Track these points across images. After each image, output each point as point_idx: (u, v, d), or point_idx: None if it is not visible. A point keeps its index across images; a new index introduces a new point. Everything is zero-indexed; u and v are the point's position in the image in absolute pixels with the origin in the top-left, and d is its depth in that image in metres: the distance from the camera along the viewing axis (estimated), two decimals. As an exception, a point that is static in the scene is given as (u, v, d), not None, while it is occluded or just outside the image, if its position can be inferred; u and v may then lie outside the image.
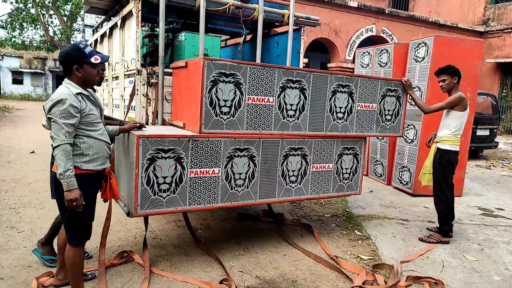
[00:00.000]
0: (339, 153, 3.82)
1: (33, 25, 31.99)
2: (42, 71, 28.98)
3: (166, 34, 4.85)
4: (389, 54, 6.26)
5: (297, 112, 3.44)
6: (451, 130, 3.96)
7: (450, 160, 3.97)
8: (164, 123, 3.76)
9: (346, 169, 3.90)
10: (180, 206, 3.05)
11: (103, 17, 5.18)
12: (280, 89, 3.32)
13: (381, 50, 6.47)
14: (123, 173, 3.20)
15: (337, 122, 3.67)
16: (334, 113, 3.64)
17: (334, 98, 3.61)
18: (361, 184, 4.06)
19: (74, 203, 2.25)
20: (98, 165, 2.43)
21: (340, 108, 3.67)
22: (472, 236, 4.20)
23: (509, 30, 14.10)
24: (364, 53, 7.01)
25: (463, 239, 4.12)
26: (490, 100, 9.98)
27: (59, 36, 32.91)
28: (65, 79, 2.40)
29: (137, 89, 3.64)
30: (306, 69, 3.50)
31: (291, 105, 3.40)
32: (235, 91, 3.12)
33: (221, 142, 3.13)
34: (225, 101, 3.10)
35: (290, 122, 3.42)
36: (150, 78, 3.66)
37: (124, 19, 4.08)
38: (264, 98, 3.27)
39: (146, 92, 3.66)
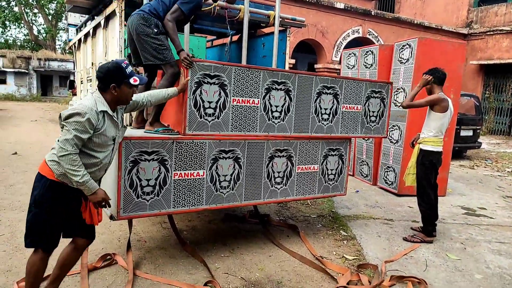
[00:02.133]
0: (324, 154, 3.83)
1: (16, 23, 31.40)
2: (26, 71, 28.42)
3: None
4: (374, 56, 6.32)
5: (282, 113, 3.44)
6: (432, 132, 4.02)
7: (432, 160, 4.01)
8: (148, 124, 3.72)
9: (331, 170, 3.92)
10: (164, 209, 3.02)
11: (87, 16, 5.11)
12: (265, 91, 3.32)
13: (367, 52, 6.53)
14: (106, 175, 3.15)
15: (322, 124, 3.69)
16: (319, 115, 3.65)
17: (319, 100, 3.63)
18: (347, 184, 4.08)
19: (103, 203, 2.32)
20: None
21: (325, 109, 3.68)
22: (455, 235, 4.27)
23: (491, 33, 14.40)
24: (350, 54, 7.06)
25: (446, 238, 4.18)
26: (473, 101, 10.17)
27: (44, 35, 32.38)
28: (97, 92, 2.36)
29: (121, 90, 3.58)
30: (291, 70, 3.51)
31: (276, 106, 3.40)
32: (220, 92, 3.10)
33: (205, 144, 3.11)
34: (210, 102, 3.08)
35: (276, 124, 3.42)
36: (134, 79, 3.61)
37: (108, 19, 4.03)
38: (249, 100, 3.25)
39: (130, 93, 3.61)
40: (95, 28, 4.55)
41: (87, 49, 5.09)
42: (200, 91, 3.01)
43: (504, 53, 14.01)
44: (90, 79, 4.91)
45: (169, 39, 3.24)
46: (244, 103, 3.24)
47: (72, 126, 2.17)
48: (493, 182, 7.35)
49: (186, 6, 3.23)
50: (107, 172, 3.06)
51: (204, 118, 3.06)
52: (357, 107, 3.89)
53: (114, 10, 3.67)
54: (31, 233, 2.31)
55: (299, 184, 3.72)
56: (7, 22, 30.45)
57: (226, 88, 3.12)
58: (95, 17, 4.52)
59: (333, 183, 3.96)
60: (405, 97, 5.64)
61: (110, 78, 2.32)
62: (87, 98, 2.32)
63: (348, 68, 7.06)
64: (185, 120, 2.98)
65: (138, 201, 2.88)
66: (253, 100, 3.28)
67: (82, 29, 5.43)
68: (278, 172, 3.58)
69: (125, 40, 5.09)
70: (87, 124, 2.19)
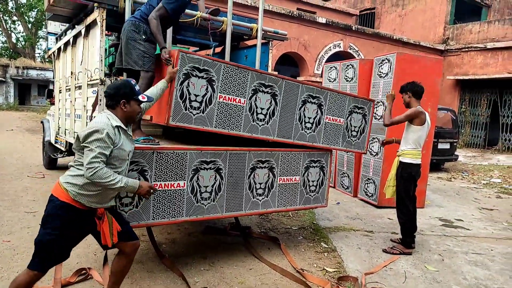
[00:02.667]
0: (306, 165, 3.85)
1: (-6, 30, 30.68)
2: (3, 79, 27.65)
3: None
4: (354, 70, 6.45)
5: (267, 116, 3.44)
6: (411, 144, 4.09)
7: (411, 173, 4.08)
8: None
9: (313, 181, 3.93)
10: (143, 221, 2.96)
11: (67, 24, 5.04)
12: (252, 92, 3.32)
13: (347, 66, 6.66)
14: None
15: (305, 132, 3.71)
16: (303, 123, 3.68)
17: (304, 108, 3.66)
18: (328, 196, 4.10)
19: (151, 191, 2.48)
20: (92, 202, 2.32)
21: (309, 118, 3.72)
22: (433, 247, 4.32)
23: (467, 50, 14.95)
24: (331, 68, 7.19)
25: (425, 250, 4.23)
26: (450, 115, 10.46)
27: (23, 43, 31.72)
28: (106, 111, 2.43)
29: (100, 99, 3.54)
30: (279, 75, 3.53)
31: (262, 109, 3.40)
32: (207, 87, 3.08)
33: (186, 155, 3.08)
34: (196, 96, 3.05)
35: (259, 126, 3.41)
36: (114, 88, 3.57)
37: (89, 28, 3.98)
38: (236, 98, 3.25)
39: (110, 103, 3.56)
40: (76, 37, 4.49)
41: (66, 58, 5.01)
42: (188, 83, 2.98)
43: (479, 69, 14.53)
44: (69, 89, 4.83)
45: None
46: (231, 101, 3.22)
47: (94, 144, 2.21)
48: (470, 194, 7.53)
49: (170, 5, 3.31)
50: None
51: (189, 110, 3.02)
52: (339, 120, 3.94)
53: (95, 19, 3.64)
54: (39, 254, 2.28)
55: (281, 196, 3.72)
56: (-16, 29, 29.75)
57: (213, 83, 3.11)
58: (76, 26, 4.46)
59: (314, 195, 3.97)
60: (384, 110, 5.75)
61: (121, 95, 2.40)
62: (100, 116, 2.38)
63: (330, 81, 7.18)
64: (169, 110, 2.93)
65: (118, 211, 2.81)
66: (240, 100, 3.27)
67: (62, 37, 5.34)
68: (260, 184, 3.56)
69: (106, 49, 5.04)
70: (107, 139, 2.25)
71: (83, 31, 4.07)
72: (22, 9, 28.76)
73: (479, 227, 5.26)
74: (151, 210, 2.96)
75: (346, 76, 6.69)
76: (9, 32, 31.14)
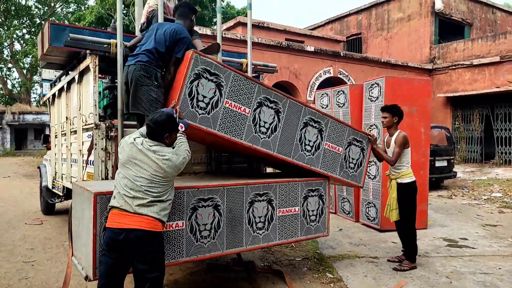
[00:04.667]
0: (304, 195, 3.84)
1: (-11, 79, 31.17)
2: (0, 126, 27.83)
3: (126, 85, 4.86)
4: (345, 95, 6.56)
5: (269, 131, 3.49)
6: (405, 166, 4.30)
7: (414, 190, 4.31)
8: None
9: (313, 211, 3.91)
10: (143, 264, 2.90)
11: (61, 71, 5.15)
12: (257, 104, 3.39)
13: (338, 92, 6.77)
14: (80, 232, 3.04)
15: (305, 154, 3.73)
16: (303, 144, 3.71)
17: (305, 130, 3.71)
18: (329, 225, 4.06)
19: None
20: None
21: (309, 141, 3.76)
22: (440, 269, 4.25)
23: (454, 67, 15.28)
24: (322, 94, 7.30)
25: (431, 272, 4.15)
26: (444, 133, 10.56)
27: (19, 88, 32.15)
28: (155, 142, 2.61)
29: (96, 143, 3.56)
30: (284, 93, 3.61)
31: (265, 122, 3.46)
32: (216, 91, 3.17)
33: (183, 194, 3.07)
34: (204, 97, 3.13)
35: (261, 138, 3.44)
36: (109, 132, 3.61)
37: (82, 74, 4.07)
38: (241, 107, 3.31)
39: (105, 146, 3.58)
40: (69, 83, 4.57)
41: (61, 104, 5.08)
42: (198, 83, 3.08)
43: (467, 86, 14.81)
44: (65, 133, 4.86)
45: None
46: (236, 108, 3.29)
47: (178, 157, 2.62)
48: (472, 211, 7.47)
49: (181, 53, 3.30)
50: (81, 228, 2.97)
51: (195, 108, 3.08)
52: (338, 148, 3.98)
53: (88, 65, 3.72)
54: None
55: (281, 228, 3.68)
56: (-21, 78, 30.22)
57: (222, 89, 3.19)
58: (69, 72, 4.55)
59: (315, 224, 3.94)
60: (378, 133, 5.81)
61: (168, 129, 2.63)
62: (165, 148, 2.63)
63: (322, 107, 7.27)
64: (177, 103, 2.97)
65: (114, 258, 2.76)
66: (245, 109, 3.33)
67: (56, 84, 5.44)
68: (259, 217, 3.54)
69: (100, 93, 5.12)
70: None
71: (76, 77, 4.16)
72: (17, 56, 29.33)
73: (484, 245, 5.19)
74: (150, 252, 2.91)
75: (338, 102, 6.79)
76: (5, 79, 31.63)
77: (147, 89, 3.22)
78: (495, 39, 14.31)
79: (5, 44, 29.00)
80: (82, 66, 3.92)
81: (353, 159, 4.10)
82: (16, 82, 33.03)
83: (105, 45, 3.70)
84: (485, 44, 14.52)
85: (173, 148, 2.69)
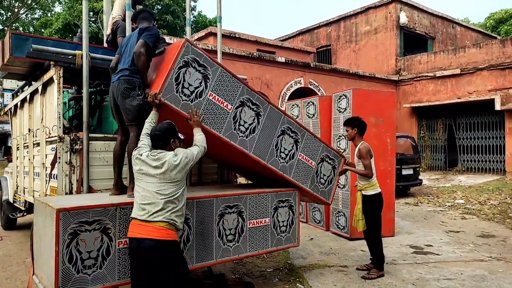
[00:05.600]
0: (275, 206, 3.87)
1: None
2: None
3: (93, 96, 4.76)
4: (315, 106, 6.69)
5: (248, 131, 3.54)
6: (370, 178, 4.38)
7: (377, 203, 4.37)
8: (90, 190, 3.56)
9: (283, 221, 3.94)
10: (108, 282, 2.82)
11: (23, 81, 4.96)
12: (240, 102, 3.47)
13: (308, 103, 6.90)
14: (42, 250, 2.92)
15: (279, 160, 3.78)
16: (279, 151, 3.77)
17: (282, 138, 3.79)
18: (299, 235, 4.10)
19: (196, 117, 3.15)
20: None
21: (285, 149, 3.83)
22: (406, 276, 4.37)
23: (418, 79, 15.93)
24: (293, 105, 7.42)
25: (398, 280, 4.26)
26: (410, 142, 10.95)
27: (-22, 97, 30.66)
28: (158, 150, 2.79)
29: (59, 157, 3.44)
30: (267, 99, 3.69)
31: (245, 122, 3.52)
32: (202, 81, 3.25)
33: (151, 208, 3.01)
34: (190, 85, 3.20)
35: (239, 136, 3.49)
36: (74, 145, 3.50)
37: (46, 85, 3.94)
38: (224, 102, 3.38)
39: (70, 159, 3.47)
40: (32, 94, 4.41)
41: (24, 115, 4.89)
42: (186, 70, 3.15)
43: (431, 96, 15.46)
44: (27, 146, 4.67)
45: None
46: (219, 102, 3.35)
47: (185, 160, 2.78)
48: (437, 218, 7.75)
49: (149, 39, 3.27)
50: (43, 245, 2.86)
51: (179, 94, 3.12)
52: (311, 162, 4.06)
53: (52, 77, 3.61)
54: None
55: (252, 240, 3.68)
56: None
57: (208, 81, 3.26)
58: (32, 82, 4.40)
59: (285, 235, 3.96)
60: (347, 144, 5.95)
61: (171, 135, 2.86)
62: (168, 153, 2.78)
63: (293, 118, 7.37)
64: (163, 85, 3.02)
65: (78, 276, 2.67)
66: (227, 105, 3.40)
67: (18, 94, 5.23)
68: (230, 229, 3.53)
69: (65, 103, 4.97)
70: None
71: (40, 88, 4.02)
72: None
73: (448, 251, 5.39)
74: (116, 269, 2.83)
75: (308, 113, 6.91)
76: (-36, 87, 30.09)
77: (132, 99, 3.24)
78: (456, 52, 15.06)
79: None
80: (46, 77, 3.80)
81: (324, 175, 4.21)
82: (-24, 90, 31.47)
83: (70, 56, 3.62)
84: (447, 57, 15.24)
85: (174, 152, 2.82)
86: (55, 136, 3.55)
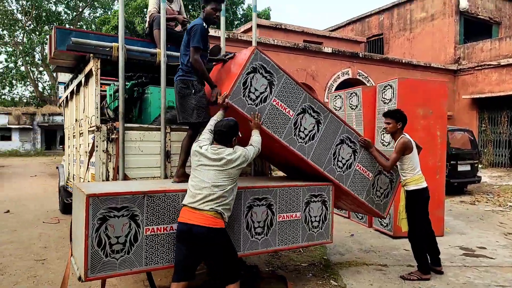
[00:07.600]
0: (306, 200, 3.74)
1: (22, 82, 32.55)
2: (31, 126, 28.97)
3: (136, 88, 4.92)
4: (358, 97, 6.39)
5: (307, 137, 3.65)
6: (409, 173, 4.07)
7: (421, 198, 4.08)
8: (125, 178, 3.69)
9: (315, 217, 3.80)
10: (136, 267, 2.89)
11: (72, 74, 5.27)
12: (301, 109, 3.58)
13: (351, 94, 6.61)
14: (77, 233, 3.06)
15: (336, 168, 3.85)
16: (336, 160, 3.86)
17: (341, 147, 3.86)
18: (333, 231, 3.94)
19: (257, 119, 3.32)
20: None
21: (343, 158, 3.89)
22: (452, 280, 4.04)
23: (480, 68, 14.67)
24: (336, 96, 7.15)
25: (442, 283, 3.96)
26: (467, 135, 10.14)
27: (49, 90, 33.43)
28: (219, 146, 2.98)
29: (97, 145, 3.60)
30: (328, 107, 3.77)
31: (305, 128, 3.63)
32: (267, 87, 3.41)
33: (178, 196, 3.05)
34: (256, 90, 3.35)
35: (298, 142, 3.60)
36: (111, 134, 3.64)
37: (87, 77, 4.13)
38: (287, 108, 3.50)
39: (106, 148, 3.62)
40: (78, 86, 4.66)
41: (72, 106, 5.19)
42: (253, 76, 3.32)
43: (495, 87, 14.18)
44: (75, 135, 4.96)
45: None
46: (282, 108, 3.50)
47: (245, 158, 3.00)
48: (495, 218, 7.11)
49: (195, 38, 3.35)
50: (77, 228, 3.00)
51: (246, 98, 3.30)
52: (369, 174, 4.10)
53: (91, 68, 3.77)
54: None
55: (281, 234, 3.60)
56: (13, 81, 31.60)
57: (273, 87, 3.43)
58: (78, 75, 4.65)
59: (317, 231, 3.83)
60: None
61: (234, 132, 3.02)
62: (232, 151, 2.96)
63: (336, 109, 7.11)
64: (231, 89, 3.20)
65: (107, 260, 2.77)
66: (289, 111, 3.53)
67: (68, 86, 5.57)
68: (258, 222, 3.47)
69: (110, 95, 5.20)
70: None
71: (83, 80, 4.23)
72: (47, 60, 30.48)
73: (504, 255, 4.91)
74: (143, 256, 2.90)
75: (350, 104, 6.63)
76: (36, 82, 32.95)
77: (187, 98, 3.41)
78: (525, 38, 13.66)
79: (37, 48, 30.26)
80: (87, 69, 3.98)
81: (380, 187, 4.13)
82: (47, 84, 34.35)
83: (108, 49, 3.74)
84: (514, 43, 13.88)
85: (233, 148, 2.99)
86: (94, 126, 3.71)
